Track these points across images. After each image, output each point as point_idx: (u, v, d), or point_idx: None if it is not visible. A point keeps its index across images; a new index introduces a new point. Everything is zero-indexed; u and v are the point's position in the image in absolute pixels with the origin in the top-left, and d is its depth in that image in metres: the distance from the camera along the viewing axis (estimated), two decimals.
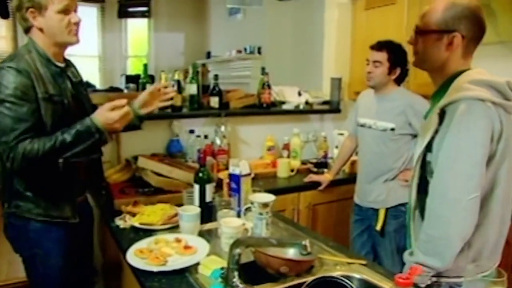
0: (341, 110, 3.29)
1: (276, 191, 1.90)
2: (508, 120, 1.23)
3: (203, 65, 5.84)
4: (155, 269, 1.36)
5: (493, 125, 1.20)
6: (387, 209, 2.31)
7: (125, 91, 3.34)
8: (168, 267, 1.37)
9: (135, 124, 1.86)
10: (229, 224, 1.55)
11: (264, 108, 3.00)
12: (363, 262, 1.45)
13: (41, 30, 1.57)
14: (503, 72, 1.50)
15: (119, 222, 1.78)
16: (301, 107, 3.17)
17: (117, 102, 1.56)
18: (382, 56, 2.24)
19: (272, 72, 3.07)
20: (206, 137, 2.69)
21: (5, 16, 4.76)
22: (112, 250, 1.87)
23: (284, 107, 3.15)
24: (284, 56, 4.27)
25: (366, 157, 2.40)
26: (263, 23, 4.90)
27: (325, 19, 3.43)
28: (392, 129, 2.24)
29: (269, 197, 1.66)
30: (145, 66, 2.91)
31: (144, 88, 2.75)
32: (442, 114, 1.26)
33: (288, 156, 2.99)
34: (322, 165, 2.86)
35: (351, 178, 2.65)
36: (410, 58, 1.49)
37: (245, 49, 5.24)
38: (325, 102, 3.32)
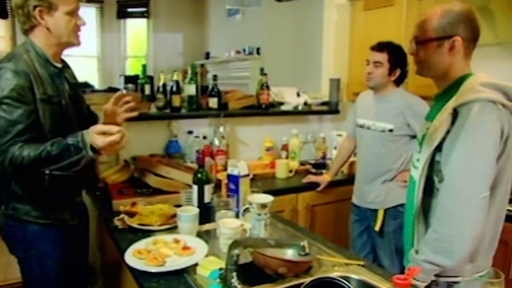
0: (339, 111, 3.30)
1: (274, 192, 1.90)
2: (510, 123, 1.26)
3: (202, 65, 5.75)
4: (153, 269, 1.36)
5: (503, 126, 1.24)
6: (385, 210, 2.31)
7: (124, 91, 3.33)
8: (167, 268, 1.37)
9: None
10: (227, 225, 1.55)
11: (262, 109, 3.01)
12: (361, 263, 1.46)
13: (48, 29, 1.56)
14: (502, 73, 1.52)
15: (118, 223, 1.78)
16: (300, 108, 3.18)
17: (108, 128, 1.49)
18: (383, 57, 2.24)
19: (271, 73, 3.07)
20: (204, 137, 2.69)
21: (4, 16, 4.76)
22: (111, 251, 1.87)
23: (283, 108, 3.16)
24: (283, 57, 4.28)
25: (365, 158, 2.40)
26: (262, 24, 4.90)
27: (324, 20, 3.43)
28: (391, 130, 2.25)
29: (268, 198, 1.66)
30: (144, 66, 2.90)
31: (142, 89, 2.75)
32: (454, 115, 1.29)
33: (287, 157, 2.99)
34: (320, 166, 2.87)
35: (349, 179, 2.65)
36: (412, 67, 1.52)
37: (244, 50, 5.24)
38: (323, 103, 3.32)
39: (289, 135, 3.04)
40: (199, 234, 1.66)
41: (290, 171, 2.78)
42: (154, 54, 7.04)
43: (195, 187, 1.81)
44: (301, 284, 1.22)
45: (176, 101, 2.69)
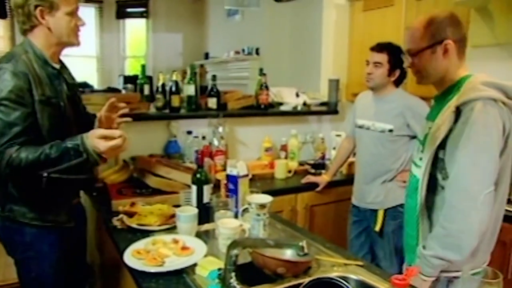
0: (338, 112, 3.30)
1: (273, 192, 1.90)
2: (510, 121, 1.31)
3: (201, 66, 5.83)
4: (152, 270, 1.36)
5: (504, 123, 1.29)
6: (385, 210, 2.31)
7: (123, 91, 3.33)
8: (166, 268, 1.37)
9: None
10: (226, 225, 1.55)
11: (262, 109, 3.01)
12: (360, 263, 1.46)
13: (48, 29, 1.56)
14: (501, 74, 1.53)
15: (117, 223, 1.78)
16: (299, 108, 3.18)
17: (110, 133, 1.50)
18: (383, 57, 2.24)
19: (270, 73, 3.08)
20: (204, 138, 2.70)
21: (3, 16, 4.75)
22: (110, 251, 1.87)
23: (282, 108, 3.16)
24: (282, 57, 4.28)
25: (364, 159, 2.40)
26: (261, 24, 4.90)
27: (323, 20, 3.44)
28: (391, 131, 2.25)
29: (267, 198, 1.66)
30: (143, 66, 2.91)
31: (142, 89, 2.75)
32: (457, 113, 1.33)
33: (286, 157, 2.99)
34: (319, 166, 2.87)
35: (348, 180, 2.65)
36: (412, 78, 1.58)
37: (243, 50, 5.24)
38: (322, 104, 3.33)
39: (288, 136, 3.05)
40: (198, 234, 1.66)
41: (289, 172, 2.78)
42: (153, 54, 7.04)
43: (194, 187, 1.81)
44: (300, 284, 1.22)
45: (175, 101, 2.69)
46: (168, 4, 6.91)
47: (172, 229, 1.71)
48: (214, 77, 2.87)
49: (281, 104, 3.19)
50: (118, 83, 5.75)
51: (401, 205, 2.20)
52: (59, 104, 1.61)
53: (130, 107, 2.06)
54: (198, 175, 1.81)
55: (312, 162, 2.96)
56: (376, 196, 2.33)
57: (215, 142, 2.67)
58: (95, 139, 1.47)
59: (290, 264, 1.34)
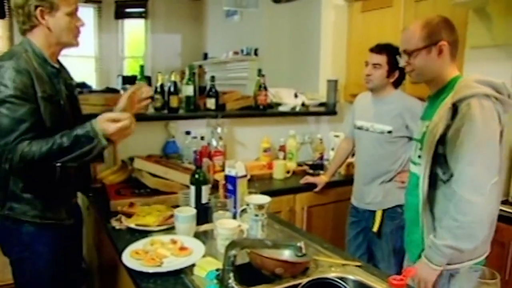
0: (337, 112, 3.30)
1: (271, 193, 1.91)
2: (504, 115, 1.42)
3: (200, 66, 5.84)
4: (150, 270, 1.36)
5: (499, 117, 1.40)
6: (384, 211, 2.32)
7: (122, 92, 3.33)
8: (164, 269, 1.37)
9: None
10: (224, 226, 1.55)
11: (260, 109, 3.01)
12: (358, 263, 1.46)
13: (48, 29, 1.57)
14: (498, 75, 1.60)
15: (115, 223, 1.78)
16: (297, 109, 3.18)
17: (117, 115, 1.53)
18: (382, 59, 2.24)
19: (268, 73, 3.08)
20: (202, 138, 2.69)
21: (2, 16, 4.75)
22: (108, 251, 1.87)
23: (281, 108, 3.16)
24: (280, 58, 4.28)
25: (363, 159, 2.41)
26: (260, 25, 4.90)
27: (321, 21, 3.44)
28: (389, 132, 2.25)
29: (265, 199, 1.67)
30: (142, 67, 2.90)
31: None
32: (453, 109, 1.41)
33: (284, 158, 3.00)
34: (318, 167, 2.87)
35: (347, 180, 2.66)
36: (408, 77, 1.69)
37: (242, 51, 5.24)
38: (321, 104, 3.33)
39: (287, 136, 3.05)
40: (197, 235, 1.66)
41: (288, 172, 2.78)
42: (152, 54, 7.04)
43: (192, 188, 1.81)
44: (298, 284, 1.23)
45: (173, 101, 2.69)
46: (167, 4, 6.92)
47: (170, 230, 1.71)
48: (212, 78, 2.87)
49: (279, 104, 3.19)
50: (117, 84, 5.76)
51: (400, 206, 2.22)
52: (59, 102, 1.62)
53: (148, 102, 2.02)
54: (196, 176, 1.81)
55: (310, 162, 2.96)
56: (374, 196, 2.33)
57: (214, 143, 2.67)
58: (105, 122, 1.50)
59: (288, 264, 1.34)
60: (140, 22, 7.13)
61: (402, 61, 1.59)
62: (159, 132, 2.66)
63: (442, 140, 1.43)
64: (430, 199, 1.51)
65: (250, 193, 1.81)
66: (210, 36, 6.86)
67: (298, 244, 1.20)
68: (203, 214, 1.76)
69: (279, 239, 1.69)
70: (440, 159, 1.46)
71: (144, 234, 1.67)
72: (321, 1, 3.42)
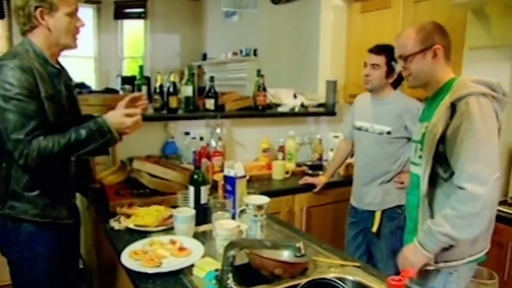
0: (336, 113, 3.30)
1: (271, 193, 1.91)
2: (501, 113, 1.45)
3: (199, 66, 5.84)
4: (149, 270, 1.36)
5: (497, 115, 1.43)
6: (383, 211, 2.32)
7: (121, 92, 3.33)
8: (163, 269, 1.37)
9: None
10: (223, 226, 1.55)
11: (259, 110, 3.01)
12: (357, 264, 1.46)
13: (48, 29, 1.59)
14: (497, 75, 1.62)
15: (114, 224, 1.78)
16: (297, 109, 3.18)
17: (131, 111, 1.67)
18: (380, 59, 2.25)
19: (267, 74, 3.08)
20: (201, 139, 2.70)
21: (1, 16, 4.75)
22: (107, 252, 1.87)
23: (280, 109, 3.16)
24: (279, 59, 4.28)
25: (362, 160, 2.41)
26: (259, 26, 4.91)
27: (320, 22, 3.44)
28: (389, 132, 2.26)
29: (264, 199, 1.67)
30: (141, 67, 2.90)
31: (139, 90, 2.75)
32: (452, 109, 1.44)
33: (283, 158, 3.00)
34: (317, 167, 2.87)
35: (346, 181, 2.66)
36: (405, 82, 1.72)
37: (241, 51, 5.24)
38: (320, 105, 3.33)
39: (286, 137, 3.05)
40: (196, 235, 1.66)
41: (287, 173, 2.79)
42: (151, 55, 7.04)
43: (191, 188, 1.81)
44: (297, 285, 1.23)
45: (173, 102, 2.69)
46: (166, 5, 6.92)
47: (169, 230, 1.71)
48: (212, 78, 2.87)
49: (278, 105, 3.19)
50: (116, 84, 5.75)
51: (399, 207, 2.22)
52: (61, 102, 1.64)
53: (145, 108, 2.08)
54: (195, 176, 1.81)
55: (309, 163, 2.96)
56: (374, 197, 2.34)
57: (213, 143, 2.67)
58: (121, 117, 1.64)
59: (287, 265, 1.34)
60: (139, 22, 7.13)
61: (398, 66, 1.64)
62: (158, 133, 2.66)
63: (442, 139, 1.46)
64: (430, 197, 1.53)
65: (249, 193, 1.81)
66: (209, 37, 6.86)
67: (297, 244, 1.20)
68: (202, 215, 1.76)
69: (278, 240, 1.69)
70: (440, 158, 1.48)
71: (143, 234, 1.67)
72: (320, 2, 3.43)
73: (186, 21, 7.04)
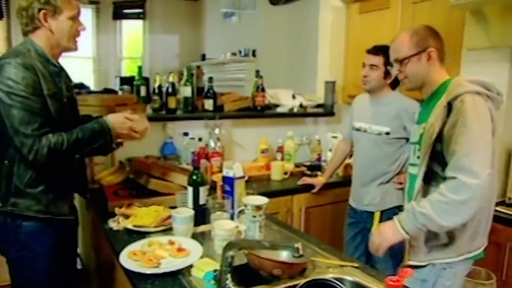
0: (335, 113, 3.30)
1: (269, 194, 1.91)
2: (495, 113, 1.48)
3: (198, 67, 5.84)
4: (148, 271, 1.36)
5: (491, 113, 1.45)
6: (382, 212, 2.32)
7: (120, 93, 3.33)
8: (161, 270, 1.37)
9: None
10: (222, 227, 1.55)
11: (258, 111, 3.01)
12: (356, 264, 1.47)
13: (50, 31, 1.60)
14: (495, 76, 1.64)
15: (113, 224, 1.78)
16: (295, 110, 3.18)
17: (132, 116, 1.73)
18: (379, 60, 2.25)
19: (266, 75, 3.08)
20: (200, 139, 2.70)
21: (0, 16, 4.74)
22: (106, 252, 1.87)
23: (278, 110, 3.17)
24: (278, 59, 4.28)
25: (361, 161, 2.41)
26: (258, 26, 4.91)
27: (319, 22, 3.44)
28: (387, 133, 2.26)
29: (263, 200, 1.67)
30: (140, 68, 2.90)
31: (138, 90, 2.75)
32: (448, 108, 1.47)
33: (282, 159, 3.00)
34: (315, 168, 2.87)
35: (344, 181, 2.66)
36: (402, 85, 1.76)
37: (240, 52, 5.24)
38: (319, 105, 3.33)
39: (284, 137, 3.05)
40: (194, 236, 1.66)
41: (285, 173, 2.79)
42: (150, 55, 7.04)
43: (190, 189, 1.81)
44: (295, 285, 1.23)
45: (171, 102, 2.69)
46: (165, 5, 6.92)
47: (168, 231, 1.71)
48: (210, 79, 2.88)
49: (277, 106, 3.19)
50: (115, 84, 5.75)
51: (398, 207, 2.22)
52: (62, 100, 1.65)
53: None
54: (194, 177, 1.81)
55: (308, 163, 2.96)
56: (373, 198, 2.34)
57: (212, 144, 2.67)
58: (122, 118, 1.69)
59: (285, 265, 1.34)
60: (138, 23, 7.13)
61: (394, 70, 1.67)
62: (157, 133, 2.66)
63: (439, 138, 1.48)
64: (426, 195, 1.53)
65: (247, 194, 1.81)
66: (208, 37, 6.86)
67: (296, 245, 1.20)
68: (201, 215, 1.76)
69: (276, 240, 1.69)
70: (438, 157, 1.50)
71: (141, 235, 1.67)
72: (319, 3, 3.43)
73: (185, 21, 7.05)
